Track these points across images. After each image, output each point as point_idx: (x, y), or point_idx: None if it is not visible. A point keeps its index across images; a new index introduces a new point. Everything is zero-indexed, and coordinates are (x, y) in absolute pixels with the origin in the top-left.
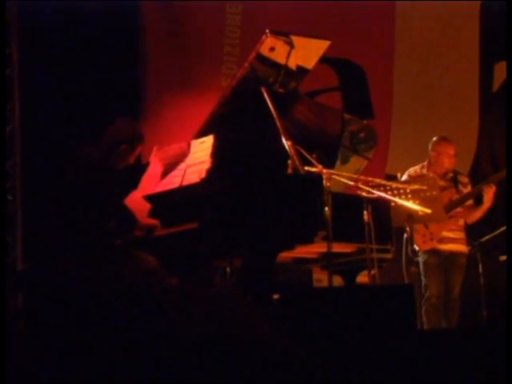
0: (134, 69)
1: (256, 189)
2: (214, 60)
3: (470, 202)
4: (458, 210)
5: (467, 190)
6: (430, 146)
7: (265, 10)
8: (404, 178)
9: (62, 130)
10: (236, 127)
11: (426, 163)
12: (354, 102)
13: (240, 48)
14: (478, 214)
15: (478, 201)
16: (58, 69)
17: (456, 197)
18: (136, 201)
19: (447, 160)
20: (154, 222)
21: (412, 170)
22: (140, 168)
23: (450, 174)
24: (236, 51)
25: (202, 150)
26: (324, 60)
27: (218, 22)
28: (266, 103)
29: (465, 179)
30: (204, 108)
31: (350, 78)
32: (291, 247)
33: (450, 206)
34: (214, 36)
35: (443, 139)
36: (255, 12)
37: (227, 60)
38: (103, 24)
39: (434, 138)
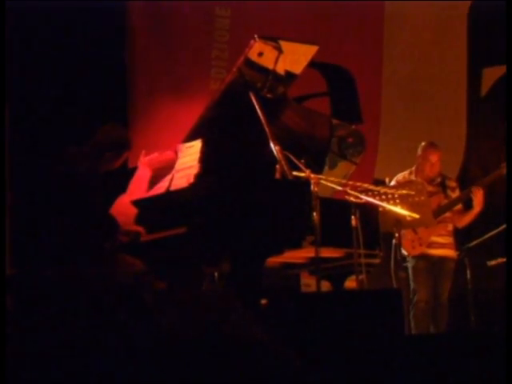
0: (122, 71)
1: (244, 194)
2: (202, 64)
3: (459, 206)
4: (447, 214)
5: (455, 194)
6: (418, 150)
7: (253, 13)
8: (392, 183)
9: (50, 134)
10: (224, 132)
11: (413, 168)
12: (342, 106)
13: (228, 52)
14: (467, 219)
15: (468, 205)
16: (43, 72)
17: (444, 202)
18: (123, 205)
19: (428, 167)
20: (138, 228)
21: (400, 176)
22: (128, 172)
23: (439, 179)
24: (225, 55)
25: (190, 155)
26: (312, 65)
27: (206, 26)
28: (255, 108)
29: (453, 184)
30: (193, 111)
31: (338, 82)
32: (279, 252)
33: (439, 211)
34: (203, 39)
35: (429, 146)
36: (244, 15)
37: (216, 64)
38: (89, 24)
39: (422, 143)
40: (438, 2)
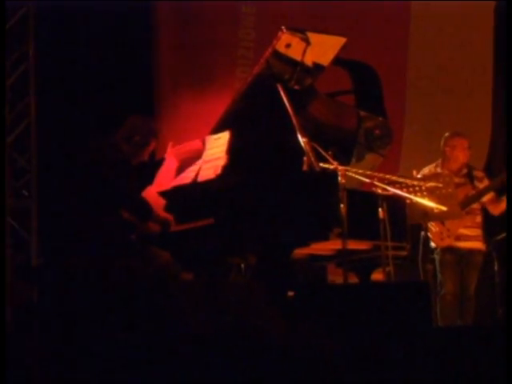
0: (148, 67)
1: (271, 185)
2: (228, 63)
3: (491, 195)
4: (475, 206)
5: (483, 184)
6: (442, 141)
7: (279, 10)
8: (419, 176)
9: (77, 127)
10: (252, 123)
11: (439, 161)
12: (366, 103)
13: (254, 51)
14: (504, 205)
15: (500, 193)
16: (72, 66)
17: (472, 193)
18: (151, 196)
19: (461, 153)
20: (168, 216)
21: (426, 169)
22: (155, 164)
23: (465, 170)
24: (250, 54)
25: (217, 146)
26: (337, 62)
27: (232, 24)
28: (282, 100)
29: (480, 174)
30: (219, 105)
31: (362, 79)
32: (306, 244)
33: (466, 202)
34: (229, 38)
35: (456, 133)
36: (270, 13)
37: (242, 63)
38: (117, 23)
39: (447, 134)
40: (464, 2)
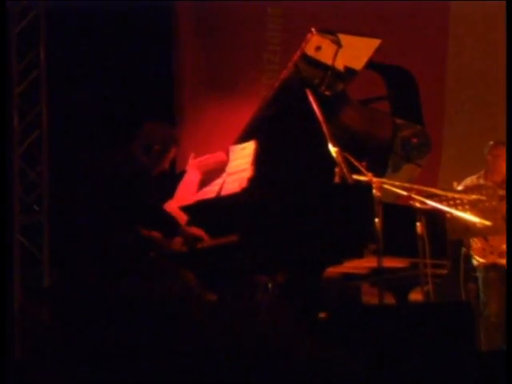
0: (168, 73)
1: (300, 199)
2: (253, 68)
3: None
4: None
5: None
6: (485, 150)
7: (308, 11)
8: (459, 188)
9: (92, 137)
10: (279, 132)
11: (482, 172)
12: (402, 110)
13: (281, 55)
14: None
15: None
16: (86, 73)
17: None
18: (172, 212)
19: (504, 163)
20: (199, 231)
21: (468, 180)
22: (175, 177)
23: None
24: (277, 58)
25: (242, 157)
26: (370, 66)
27: (257, 26)
28: (312, 106)
29: None
30: (244, 113)
31: (398, 84)
32: (339, 262)
33: None
34: (254, 42)
35: (501, 142)
36: (297, 14)
37: (268, 69)
38: (134, 24)
39: (491, 142)
40: (502, 2)
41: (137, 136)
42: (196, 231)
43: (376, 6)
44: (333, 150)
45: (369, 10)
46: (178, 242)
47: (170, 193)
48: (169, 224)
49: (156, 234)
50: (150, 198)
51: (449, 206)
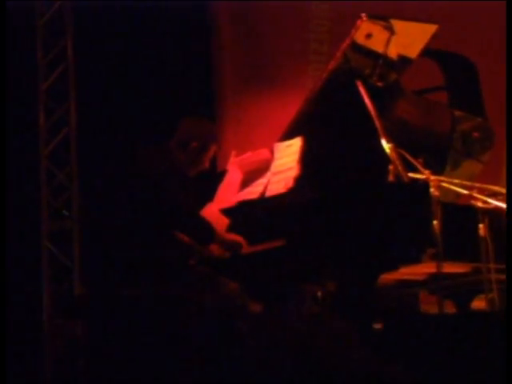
0: (206, 67)
1: (352, 200)
2: (298, 59)
3: None
4: None
5: None
6: None
7: None
8: None
9: (124, 136)
10: (327, 128)
11: None
12: (462, 101)
13: (328, 44)
14: None
15: None
16: (118, 67)
17: None
18: (211, 214)
19: None
20: (238, 238)
21: None
22: (216, 177)
23: None
24: (324, 48)
25: (288, 155)
26: (426, 53)
27: (302, 14)
28: (362, 99)
29: None
30: (289, 108)
31: (457, 73)
32: (394, 268)
33: None
34: (299, 30)
35: None
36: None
37: (314, 59)
38: (169, 17)
39: None
40: None
41: (174, 132)
42: (234, 238)
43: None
44: (386, 146)
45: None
46: (215, 248)
47: (210, 194)
48: (203, 230)
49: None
50: (186, 199)
51: None
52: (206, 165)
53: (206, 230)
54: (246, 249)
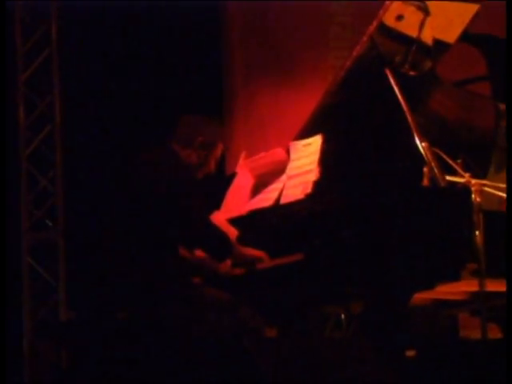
0: (215, 56)
1: (381, 208)
2: (317, 46)
3: None
4: None
5: None
6: None
7: None
8: None
9: (117, 134)
10: (351, 124)
11: None
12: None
13: (352, 29)
14: None
15: None
16: (107, 55)
17: None
18: (218, 223)
19: None
20: (258, 252)
21: None
22: (223, 182)
23: None
24: (347, 33)
25: (306, 156)
26: (466, 38)
27: None
28: (392, 90)
29: None
30: (307, 102)
31: (502, 61)
32: (430, 286)
33: None
34: (318, 13)
35: None
36: None
37: (335, 46)
38: (173, 11)
39: None
40: None
41: (174, 132)
42: (254, 252)
43: None
44: (420, 145)
45: None
46: (226, 264)
47: (216, 201)
48: (220, 242)
49: (200, 254)
50: (196, 207)
51: None
52: (212, 167)
53: (223, 242)
54: (259, 265)
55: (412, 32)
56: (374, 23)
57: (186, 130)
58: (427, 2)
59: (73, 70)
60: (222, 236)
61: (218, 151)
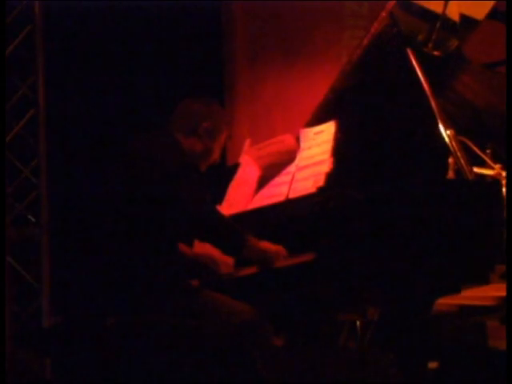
0: (216, 35)
1: (401, 203)
2: (331, 23)
3: None
4: None
5: None
6: None
7: None
8: None
9: (108, 120)
10: (369, 109)
11: None
12: None
13: (369, 5)
14: None
15: None
16: (99, 28)
17: None
18: None
19: None
20: (277, 247)
21: None
22: (225, 173)
23: None
24: (363, 10)
25: (318, 145)
26: (496, 15)
27: None
28: (414, 72)
29: None
30: (318, 86)
31: None
32: (455, 290)
33: None
34: None
35: None
36: None
37: (351, 24)
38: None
39: None
40: None
41: (173, 119)
42: (272, 246)
43: None
44: (445, 133)
45: None
46: (229, 264)
47: (217, 196)
48: (235, 236)
49: (206, 250)
50: (208, 202)
51: None
52: (217, 156)
53: (237, 236)
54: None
55: (436, 7)
56: None
57: (187, 115)
58: None
59: (59, 49)
60: (237, 229)
61: (223, 138)
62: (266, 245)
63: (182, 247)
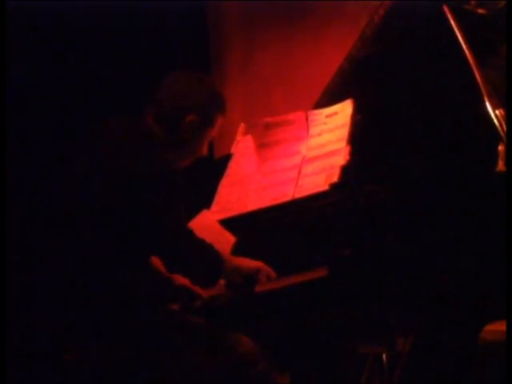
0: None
1: (437, 201)
2: None
3: None
4: None
5: None
6: None
7: None
8: None
9: (75, 101)
10: (394, 86)
11: None
12: None
13: None
14: None
15: None
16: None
17: None
18: (208, 228)
19: None
20: (259, 264)
21: None
22: (214, 168)
23: None
24: None
25: (330, 130)
26: None
27: None
28: (453, 35)
29: None
30: (328, 57)
31: None
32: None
33: None
34: None
35: None
36: None
37: None
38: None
39: None
40: None
41: (156, 96)
42: (254, 264)
43: None
44: (493, 113)
45: None
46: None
47: (204, 196)
48: (208, 258)
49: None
50: (177, 211)
51: None
52: (204, 150)
53: (211, 257)
54: (265, 285)
55: None
56: None
57: (170, 100)
58: None
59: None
60: (210, 256)
61: (216, 130)
62: (247, 261)
63: (157, 263)
